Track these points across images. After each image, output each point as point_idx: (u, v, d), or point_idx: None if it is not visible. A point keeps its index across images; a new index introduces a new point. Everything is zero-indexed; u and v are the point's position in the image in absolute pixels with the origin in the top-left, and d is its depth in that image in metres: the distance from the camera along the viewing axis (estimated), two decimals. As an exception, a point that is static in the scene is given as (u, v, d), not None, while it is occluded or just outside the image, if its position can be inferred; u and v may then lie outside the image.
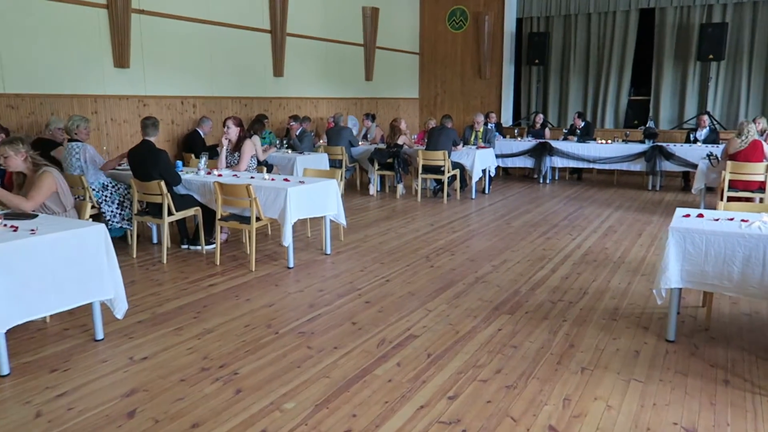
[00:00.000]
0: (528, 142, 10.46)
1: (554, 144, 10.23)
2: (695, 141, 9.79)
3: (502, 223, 7.17)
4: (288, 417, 2.80)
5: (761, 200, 7.01)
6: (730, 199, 7.03)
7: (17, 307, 3.18)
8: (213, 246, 5.89)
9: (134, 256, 5.63)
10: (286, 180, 5.52)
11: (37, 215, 3.83)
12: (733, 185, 6.92)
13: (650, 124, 10.89)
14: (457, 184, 8.91)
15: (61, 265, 3.37)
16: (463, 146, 9.18)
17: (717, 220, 3.63)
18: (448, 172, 8.55)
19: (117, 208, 5.84)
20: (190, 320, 4.02)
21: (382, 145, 9.43)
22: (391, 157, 8.94)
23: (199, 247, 5.85)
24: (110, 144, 7.58)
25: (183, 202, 5.61)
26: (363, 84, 12.36)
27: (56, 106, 6.92)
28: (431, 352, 3.50)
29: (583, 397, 2.97)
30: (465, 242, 6.21)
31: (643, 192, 9.64)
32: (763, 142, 6.94)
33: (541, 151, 10.24)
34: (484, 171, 9.20)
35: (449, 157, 8.57)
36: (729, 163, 6.88)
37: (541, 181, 10.58)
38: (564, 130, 11.00)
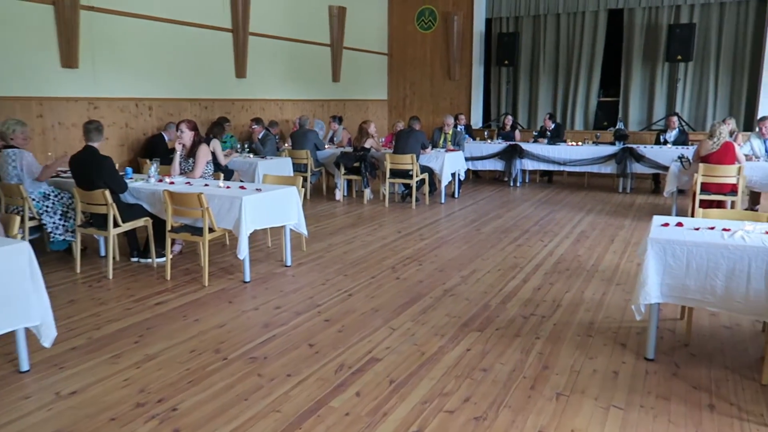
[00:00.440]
0: (498, 145, 10.26)
1: (524, 146, 10.05)
2: (665, 142, 9.71)
3: (471, 229, 6.92)
4: (230, 463, 2.47)
5: (733, 203, 6.90)
6: (702, 202, 6.91)
7: None
8: (164, 259, 5.50)
9: (78, 271, 5.20)
10: (242, 188, 5.16)
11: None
12: (706, 188, 6.79)
13: (620, 125, 10.80)
14: (426, 188, 8.64)
15: (-26, 290, 2.98)
16: (431, 149, 8.93)
17: (697, 229, 3.42)
18: (417, 176, 8.28)
19: (60, 219, 5.40)
20: (130, 346, 3.64)
21: (349, 149, 9.11)
22: (358, 161, 8.63)
23: (149, 261, 5.45)
24: (58, 149, 7.08)
25: (131, 212, 5.21)
26: (330, 85, 12.03)
27: (-5, 109, 6.43)
28: (394, 378, 3.20)
29: (559, 429, 2.70)
30: (433, 251, 5.94)
31: (614, 194, 9.52)
32: (735, 144, 6.82)
33: (512, 153, 10.05)
34: (453, 175, 8.95)
35: (417, 160, 8.30)
36: (701, 165, 6.74)
37: (512, 184, 10.39)
38: (534, 132, 10.84)
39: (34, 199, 5.33)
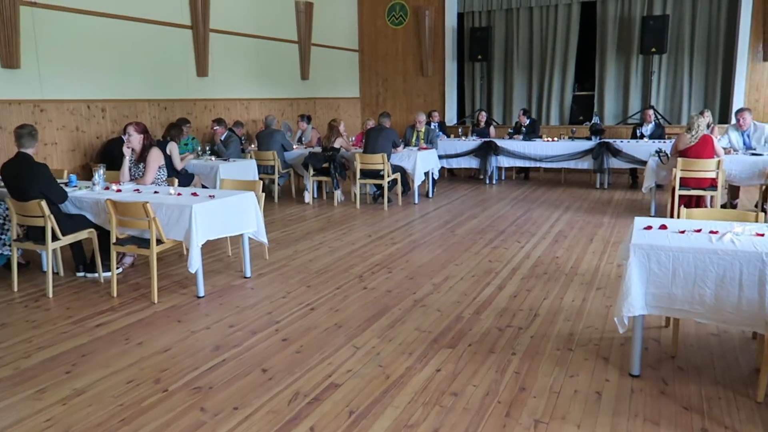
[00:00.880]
0: (472, 142, 9.97)
1: (499, 143, 9.78)
2: (641, 136, 9.52)
3: (446, 231, 6.60)
4: None
5: (713, 198, 6.69)
6: (681, 197, 6.69)
7: None
8: (116, 271, 5.09)
9: (15, 289, 4.76)
10: (194, 194, 4.77)
11: None
12: (684, 183, 6.57)
13: (596, 120, 10.59)
14: (399, 188, 8.31)
15: None
16: (404, 147, 8.60)
17: (683, 232, 3.13)
18: (388, 176, 7.95)
19: (-4, 233, 4.95)
20: (59, 377, 3.24)
21: (318, 149, 8.74)
22: (327, 161, 8.26)
23: (96, 275, 5.02)
24: (1, 157, 6.60)
25: (72, 223, 4.79)
26: (299, 83, 11.63)
27: (-73, 113, 5.94)
28: (354, 407, 2.86)
29: (537, 466, 2.39)
30: (404, 256, 5.61)
31: (592, 190, 9.30)
32: (713, 137, 6.61)
33: (486, 150, 9.77)
34: (427, 174, 8.64)
35: (389, 160, 7.96)
36: (679, 160, 6.52)
37: (488, 182, 10.11)
38: (509, 129, 10.58)
39: (-33, 212, 4.88)
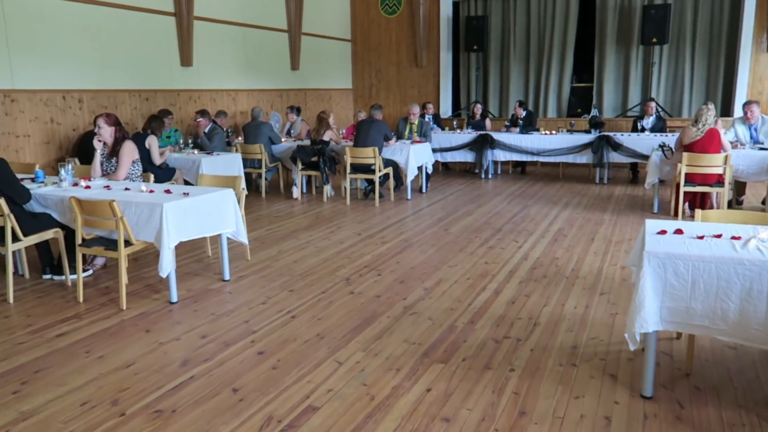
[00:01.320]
0: (468, 135, 9.63)
1: (496, 136, 9.44)
2: (642, 130, 9.20)
3: (439, 229, 6.28)
4: None
5: (719, 195, 6.39)
6: (686, 194, 6.38)
7: None
8: (85, 274, 4.76)
9: (-26, 293, 4.42)
10: (167, 192, 4.42)
11: None
12: (690, 179, 6.26)
13: (595, 112, 10.25)
14: (391, 183, 7.97)
15: None
16: (396, 141, 8.25)
17: (701, 237, 2.81)
18: (380, 170, 7.60)
19: (-44, 232, 4.59)
20: (6, 397, 2.91)
21: (307, 142, 8.39)
22: (316, 155, 7.91)
23: (63, 277, 4.68)
24: (-30, 149, 6.25)
25: (36, 223, 4.43)
26: (289, 74, 11.25)
27: None
28: (333, 436, 2.54)
29: None
30: (395, 256, 5.28)
31: (591, 186, 8.98)
32: (721, 131, 6.30)
33: (482, 143, 9.43)
34: (420, 168, 8.30)
35: (380, 153, 7.62)
36: (685, 154, 6.20)
37: (483, 176, 9.79)
38: (506, 122, 10.24)
39: None
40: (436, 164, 9.72)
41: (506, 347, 3.39)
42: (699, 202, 6.62)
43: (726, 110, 10.62)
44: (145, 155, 6.56)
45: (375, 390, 2.92)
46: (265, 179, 8.55)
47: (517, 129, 9.63)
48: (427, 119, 10.08)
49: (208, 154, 7.32)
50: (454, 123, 10.62)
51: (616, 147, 8.74)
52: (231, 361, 3.26)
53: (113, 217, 3.98)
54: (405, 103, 12.52)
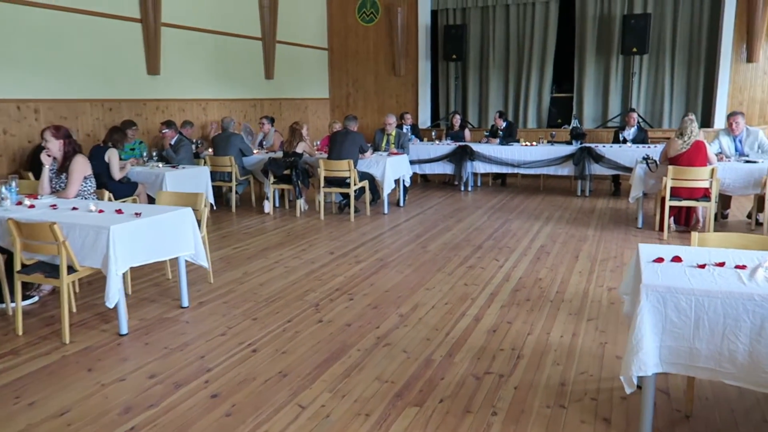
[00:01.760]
0: (446, 146, 9.36)
1: (475, 147, 9.19)
2: (624, 141, 9.02)
3: (416, 247, 5.96)
4: None
5: (705, 210, 6.18)
6: (672, 209, 6.16)
7: None
8: (31, 301, 4.35)
9: None
10: (118, 211, 4.05)
11: None
12: (675, 193, 6.04)
13: (575, 123, 10.09)
14: (367, 197, 7.66)
15: None
16: (372, 152, 7.94)
17: (703, 266, 2.53)
18: (355, 184, 7.28)
19: None
20: None
21: (279, 154, 8.03)
22: (289, 168, 7.56)
23: (3, 306, 4.26)
24: None
25: (-29, 247, 4.03)
26: (263, 83, 10.89)
27: None
28: (290, 503, 2.19)
29: None
30: (369, 278, 4.95)
31: (573, 198, 8.76)
32: (706, 143, 6.10)
33: (461, 155, 9.17)
34: (397, 181, 8.00)
35: (356, 166, 7.30)
36: (670, 168, 5.98)
37: (463, 188, 9.52)
38: (485, 132, 10.00)
39: None
40: (414, 176, 9.43)
41: (488, 385, 3.07)
42: (684, 216, 6.41)
43: (706, 121, 10.52)
44: (104, 169, 6.19)
45: (340, 441, 2.58)
46: (236, 193, 8.18)
47: (497, 140, 9.39)
48: (405, 130, 9.81)
49: (174, 167, 6.94)
50: (433, 134, 10.34)
51: (598, 159, 8.54)
52: (180, 407, 2.89)
53: (54, 241, 3.59)
54: (383, 113, 12.22)
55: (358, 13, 12.52)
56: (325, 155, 7.70)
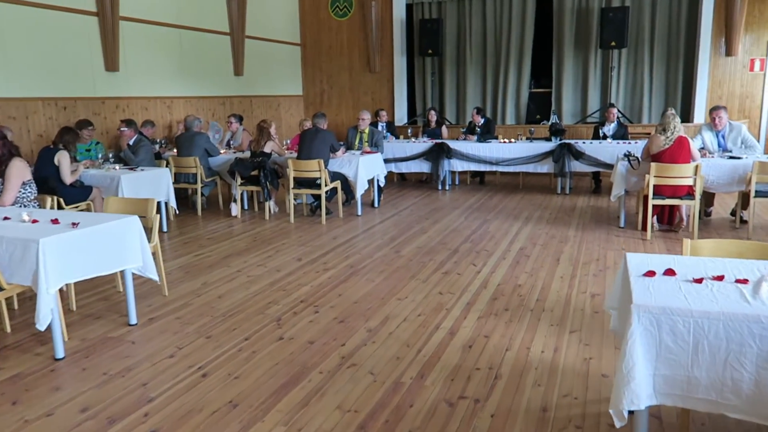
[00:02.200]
0: (423, 144, 9.05)
1: (452, 145, 8.89)
2: (604, 137, 8.79)
3: (390, 251, 5.64)
4: None
5: (689, 208, 5.95)
6: (655, 208, 5.92)
7: None
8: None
9: None
10: (54, 221, 3.65)
11: None
12: (659, 191, 5.80)
13: (554, 119, 9.83)
14: (339, 198, 7.31)
15: None
16: (345, 151, 7.59)
17: (699, 281, 2.24)
18: (326, 184, 6.93)
19: None
20: None
21: (247, 154, 7.65)
22: (256, 168, 7.18)
23: (-71, 328, 3.85)
24: None
25: None
26: (231, 80, 10.47)
27: None
28: None
29: None
30: (338, 287, 4.61)
31: (553, 196, 8.51)
32: (689, 139, 5.86)
33: (438, 153, 8.87)
34: (371, 181, 7.66)
35: (326, 166, 6.95)
36: (653, 165, 5.74)
37: (440, 187, 9.22)
38: (462, 129, 9.70)
39: None
40: (390, 175, 9.13)
41: (462, 412, 2.76)
42: (667, 215, 6.19)
43: (686, 116, 10.35)
44: (54, 173, 5.76)
45: (292, 489, 2.25)
46: (202, 195, 7.78)
47: (475, 137, 9.11)
48: (380, 127, 9.48)
49: (132, 169, 6.52)
50: (409, 131, 10.02)
51: (578, 155, 8.29)
52: (111, 448, 2.53)
53: (-23, 256, 3.20)
54: (358, 109, 11.78)
55: (331, 7, 12.14)
56: (295, 155, 7.34)
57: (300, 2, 12.31)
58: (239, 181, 7.34)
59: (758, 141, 9.01)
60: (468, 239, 6.03)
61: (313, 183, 7.00)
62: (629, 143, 8.10)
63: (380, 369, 3.21)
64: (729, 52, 9.91)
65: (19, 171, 4.31)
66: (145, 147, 7.05)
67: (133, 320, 3.92)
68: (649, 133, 9.36)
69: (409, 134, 9.88)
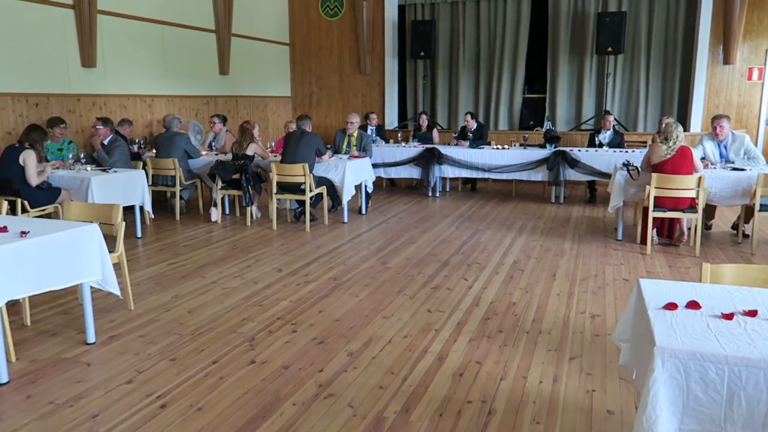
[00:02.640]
0: (413, 149, 8.74)
1: (444, 150, 8.58)
2: (600, 145, 8.53)
3: (376, 262, 5.31)
4: None
5: (691, 221, 5.68)
6: (655, 220, 5.64)
7: None
8: None
9: None
10: (2, 230, 3.29)
11: None
12: (659, 203, 5.52)
13: (549, 125, 9.56)
14: (325, 204, 6.97)
15: None
16: (331, 155, 7.26)
17: (729, 317, 1.93)
18: (311, 190, 6.60)
19: None
20: None
21: (229, 156, 7.30)
22: (238, 171, 6.84)
23: None
24: None
25: None
26: (217, 79, 10.11)
27: None
28: None
29: None
30: (318, 303, 4.28)
31: (547, 205, 8.22)
32: (692, 149, 5.59)
33: (429, 158, 8.56)
34: (358, 187, 7.34)
35: (312, 170, 6.62)
36: (654, 176, 5.46)
37: (431, 194, 8.91)
38: (454, 134, 9.41)
39: None
40: (380, 180, 8.81)
41: (451, 456, 2.44)
42: (667, 228, 5.91)
43: (682, 124, 10.06)
44: (18, 174, 5.40)
45: None
46: (181, 198, 7.41)
47: (467, 142, 8.82)
48: (369, 131, 9.17)
49: (104, 170, 6.16)
50: (399, 135, 9.71)
51: (573, 164, 8.02)
52: (44, 498, 2.18)
53: None
54: (347, 112, 11.51)
55: (322, 7, 11.82)
56: (279, 158, 7.00)
57: (289, 1, 11.98)
58: (220, 184, 6.99)
59: (757, 152, 8.78)
60: (459, 250, 5.72)
61: (297, 188, 6.66)
62: (626, 152, 7.83)
63: (361, 401, 2.88)
64: (727, 60, 9.70)
65: (-28, 172, 3.94)
66: (120, 147, 6.67)
67: (91, 338, 3.56)
68: (645, 142, 9.15)
69: (400, 138, 9.57)
